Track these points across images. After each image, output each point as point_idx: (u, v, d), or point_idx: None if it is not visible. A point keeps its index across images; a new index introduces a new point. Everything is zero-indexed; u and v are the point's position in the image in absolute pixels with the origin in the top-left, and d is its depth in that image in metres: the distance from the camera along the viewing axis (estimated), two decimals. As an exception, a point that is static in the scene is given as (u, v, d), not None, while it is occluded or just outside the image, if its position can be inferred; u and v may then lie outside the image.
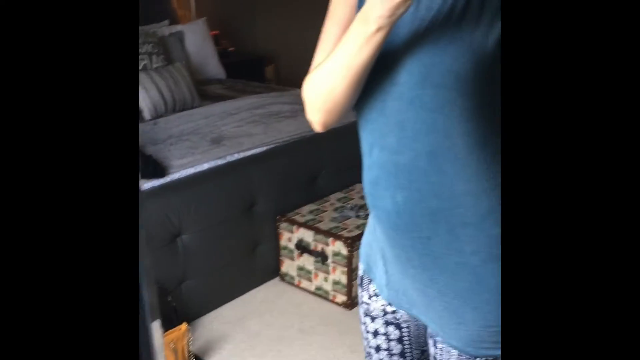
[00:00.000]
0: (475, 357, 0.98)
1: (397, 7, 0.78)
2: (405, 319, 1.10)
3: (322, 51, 0.99)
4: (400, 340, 1.13)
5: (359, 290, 1.17)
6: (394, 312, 1.11)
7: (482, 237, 0.92)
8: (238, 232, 2.57)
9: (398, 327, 1.12)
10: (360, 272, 1.17)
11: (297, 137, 2.85)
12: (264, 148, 2.73)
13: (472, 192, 0.90)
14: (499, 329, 0.93)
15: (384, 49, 0.88)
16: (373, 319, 1.14)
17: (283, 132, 2.86)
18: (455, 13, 0.87)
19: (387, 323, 1.12)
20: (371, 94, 0.95)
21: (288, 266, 2.69)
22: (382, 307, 1.12)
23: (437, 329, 1.02)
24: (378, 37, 0.82)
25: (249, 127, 2.90)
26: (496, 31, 0.86)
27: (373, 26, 0.81)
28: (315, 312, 2.53)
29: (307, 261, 2.60)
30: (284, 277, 2.72)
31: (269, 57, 5.32)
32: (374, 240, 1.09)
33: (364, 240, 1.16)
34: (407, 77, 0.89)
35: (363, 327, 1.18)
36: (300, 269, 2.64)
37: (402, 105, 0.91)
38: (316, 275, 2.59)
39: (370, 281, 1.13)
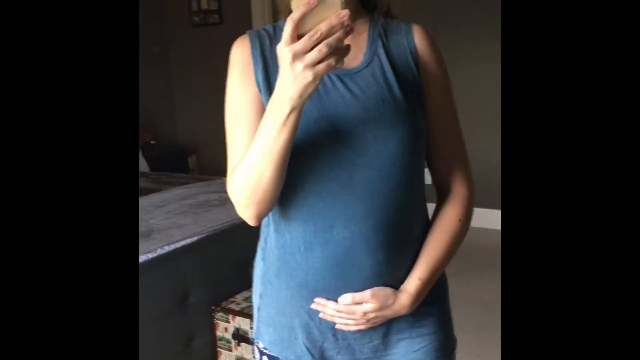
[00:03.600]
0: None
1: (306, 87, 0.84)
2: None
3: (235, 152, 1.05)
4: None
5: None
6: None
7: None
8: (171, 327, 2.50)
9: None
10: None
11: (227, 225, 2.86)
12: (195, 238, 2.71)
13: (422, 230, 1.12)
14: None
15: (344, 126, 1.00)
16: None
17: (213, 221, 2.86)
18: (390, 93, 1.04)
19: None
20: (332, 171, 1.01)
21: (226, 358, 2.62)
22: None
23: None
24: (292, 118, 0.89)
25: (178, 219, 2.88)
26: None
27: (287, 109, 0.87)
28: (257, 402, 2.46)
29: (246, 350, 2.55)
30: (222, 369, 2.65)
31: (190, 148, 5.36)
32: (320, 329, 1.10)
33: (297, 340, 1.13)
34: (376, 147, 1.01)
35: None
36: (239, 359, 2.58)
37: (372, 174, 1.01)
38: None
39: None
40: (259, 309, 1.15)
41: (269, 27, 1.12)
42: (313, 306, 1.07)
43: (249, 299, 2.65)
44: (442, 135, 1.11)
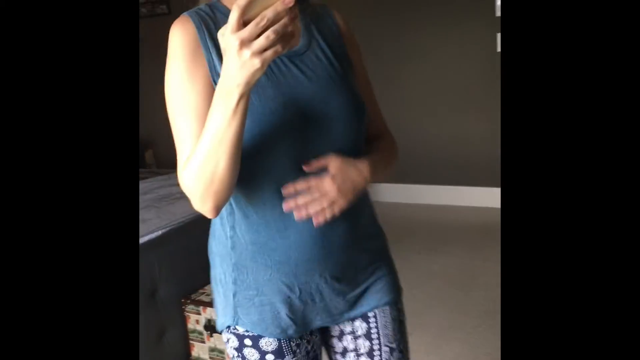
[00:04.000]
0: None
1: (254, 74, 0.85)
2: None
3: (186, 144, 1.02)
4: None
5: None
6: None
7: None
8: (142, 322, 2.47)
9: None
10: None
11: (191, 217, 2.82)
12: (160, 232, 2.68)
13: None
14: None
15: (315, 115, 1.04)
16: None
17: (176, 214, 2.83)
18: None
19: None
20: (298, 151, 1.05)
21: (199, 349, 2.61)
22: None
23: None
24: (242, 105, 0.89)
25: (141, 213, 2.83)
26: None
27: (236, 96, 0.88)
28: (233, 392, 2.46)
29: (219, 341, 2.54)
30: (195, 362, 2.63)
31: (145, 142, 5.26)
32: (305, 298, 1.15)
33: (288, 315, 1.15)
34: (333, 124, 1.08)
35: None
36: (212, 350, 2.57)
37: (333, 148, 1.08)
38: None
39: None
40: (234, 295, 1.15)
41: (205, 8, 1.10)
42: (285, 207, 1.05)
43: (218, 290, 2.63)
44: (367, 100, 1.20)
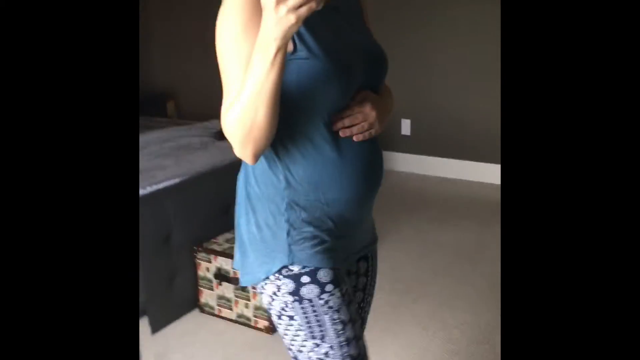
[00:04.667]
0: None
1: (290, 29, 0.92)
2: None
3: (232, 90, 1.07)
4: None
5: (316, 295, 1.18)
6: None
7: None
8: (154, 266, 2.54)
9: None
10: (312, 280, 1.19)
11: (209, 168, 2.87)
12: (177, 180, 2.73)
13: None
14: None
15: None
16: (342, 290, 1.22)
17: (195, 164, 2.87)
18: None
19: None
20: (348, 93, 1.15)
21: (207, 296, 2.68)
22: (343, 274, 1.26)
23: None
24: (279, 58, 0.97)
25: (160, 160, 2.88)
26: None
27: (273, 49, 0.95)
28: (238, 339, 2.53)
29: (227, 289, 2.60)
30: (203, 308, 2.70)
31: (168, 93, 5.29)
32: (328, 235, 1.21)
33: (319, 248, 1.19)
34: (373, 72, 1.20)
35: (330, 315, 1.20)
36: (220, 297, 2.64)
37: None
38: (237, 303, 2.60)
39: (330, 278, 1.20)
40: (288, 233, 1.17)
41: None
42: (334, 127, 1.15)
43: (230, 241, 2.69)
44: None
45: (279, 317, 1.22)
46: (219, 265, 2.60)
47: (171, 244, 2.61)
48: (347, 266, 1.30)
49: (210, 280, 2.64)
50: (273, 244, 1.19)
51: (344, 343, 1.21)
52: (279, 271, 1.18)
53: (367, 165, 1.21)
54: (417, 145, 4.68)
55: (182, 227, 2.63)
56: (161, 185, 2.65)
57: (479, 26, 4.29)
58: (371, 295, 1.44)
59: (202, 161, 2.91)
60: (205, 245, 2.66)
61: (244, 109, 1.02)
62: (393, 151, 4.70)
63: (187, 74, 5.27)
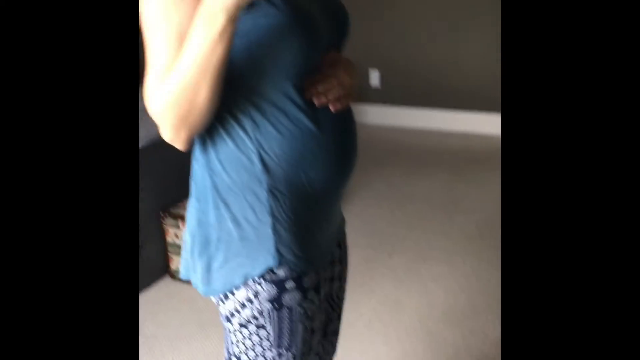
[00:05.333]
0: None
1: None
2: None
3: (161, 58, 0.88)
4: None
5: (290, 298, 1.02)
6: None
7: None
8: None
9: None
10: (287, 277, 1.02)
11: (171, 130, 2.76)
12: (141, 143, 2.61)
13: None
14: None
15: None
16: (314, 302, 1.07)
17: (156, 127, 2.75)
18: None
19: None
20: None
21: (178, 262, 2.61)
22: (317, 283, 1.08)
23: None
24: (229, 30, 0.81)
25: (119, 124, 2.76)
26: None
27: (222, 19, 0.80)
28: (211, 305, 2.47)
29: (197, 255, 2.53)
30: (174, 274, 2.63)
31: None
32: (302, 230, 1.02)
33: (296, 242, 1.02)
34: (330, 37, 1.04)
35: (304, 324, 1.05)
36: (191, 263, 2.57)
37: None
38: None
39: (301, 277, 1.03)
40: (273, 229, 0.98)
41: None
42: (306, 95, 0.98)
43: (198, 204, 2.60)
44: None
45: (243, 326, 1.03)
46: (187, 231, 2.52)
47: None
48: (328, 258, 1.14)
49: (179, 247, 2.57)
50: (256, 243, 0.99)
51: (306, 351, 1.07)
52: (262, 275, 1.00)
53: (345, 137, 1.05)
54: (386, 95, 4.60)
55: (147, 194, 2.53)
56: (122, 151, 2.54)
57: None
58: (345, 280, 1.26)
59: (164, 123, 2.80)
60: (172, 210, 2.58)
61: (182, 89, 0.85)
62: (361, 103, 4.62)
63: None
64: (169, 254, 2.61)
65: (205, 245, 1.03)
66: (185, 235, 1.10)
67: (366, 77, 4.60)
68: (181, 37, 0.87)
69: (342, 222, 1.22)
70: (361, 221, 3.04)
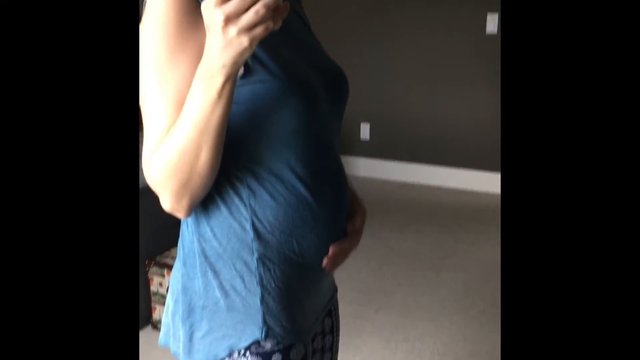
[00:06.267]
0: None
1: (242, 54, 0.75)
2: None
3: (159, 123, 0.86)
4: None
5: None
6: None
7: None
8: (103, 281, 2.40)
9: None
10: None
11: (161, 177, 2.75)
12: (128, 190, 2.60)
13: None
14: None
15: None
16: None
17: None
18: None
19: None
20: (314, 122, 0.97)
21: (161, 312, 2.55)
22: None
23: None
24: (228, 89, 0.79)
25: (109, 169, 2.75)
26: None
27: (221, 78, 0.77)
28: None
29: (181, 305, 2.48)
30: (156, 325, 2.58)
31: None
32: (293, 301, 1.00)
33: (288, 316, 0.99)
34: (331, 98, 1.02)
35: None
36: (174, 314, 2.52)
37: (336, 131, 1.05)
38: None
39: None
40: (262, 299, 0.95)
41: None
42: (324, 264, 1.00)
43: (184, 253, 2.57)
44: None
45: None
46: (172, 280, 2.48)
47: (121, 259, 2.48)
48: (316, 329, 1.10)
49: (163, 296, 2.52)
50: (242, 314, 0.95)
51: None
52: (248, 347, 0.96)
53: (339, 207, 1.03)
54: (377, 149, 4.63)
55: (132, 240, 2.50)
56: (110, 197, 2.52)
57: (437, 29, 4.27)
58: (337, 351, 1.20)
59: (154, 170, 2.79)
60: (158, 259, 2.54)
61: (182, 153, 0.82)
62: (352, 155, 4.64)
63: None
64: (152, 304, 2.56)
65: (189, 313, 0.98)
66: (167, 299, 1.06)
67: (357, 129, 4.64)
68: (179, 102, 0.85)
69: (334, 291, 1.17)
70: (348, 275, 3.01)
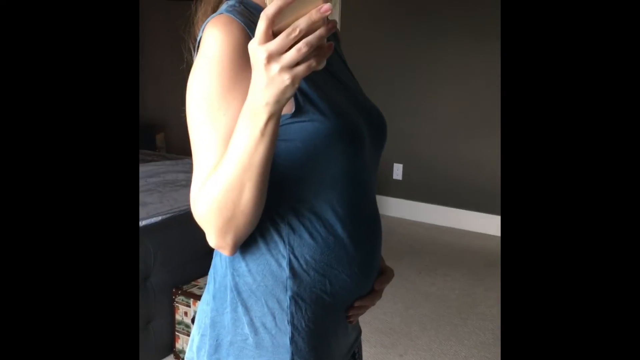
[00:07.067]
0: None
1: (284, 92, 0.75)
2: None
3: (208, 160, 0.87)
4: None
5: None
6: None
7: None
8: (130, 307, 2.41)
9: None
10: None
11: (193, 207, 2.77)
12: (160, 218, 2.62)
13: None
14: None
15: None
16: None
17: (179, 202, 2.77)
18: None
19: None
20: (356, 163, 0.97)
21: (184, 342, 2.55)
22: None
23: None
24: (271, 126, 0.78)
25: (143, 196, 2.78)
26: None
27: (264, 116, 0.77)
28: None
29: (205, 336, 2.47)
30: (178, 354, 2.57)
31: (158, 125, 5.22)
32: (330, 334, 1.00)
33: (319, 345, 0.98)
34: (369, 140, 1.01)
35: None
36: (197, 344, 2.51)
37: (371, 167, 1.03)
38: None
39: None
40: (291, 339, 0.94)
41: (237, 5, 0.94)
42: (348, 318, 1.02)
43: (211, 284, 2.57)
44: None
45: None
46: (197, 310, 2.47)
47: (149, 286, 2.49)
48: None
49: (187, 326, 2.52)
50: (271, 352, 0.94)
51: None
52: None
53: (372, 251, 1.01)
54: (409, 190, 4.61)
55: (161, 268, 2.51)
56: (142, 223, 2.54)
57: (472, 72, 4.28)
58: None
59: (186, 199, 2.81)
60: (184, 288, 2.54)
61: (226, 190, 0.82)
62: (384, 195, 4.63)
63: (178, 107, 5.20)
64: (177, 332, 2.56)
65: (215, 348, 0.97)
66: (193, 332, 1.05)
67: (390, 170, 4.64)
68: (228, 139, 0.84)
69: (359, 333, 1.15)
70: (373, 316, 2.97)
